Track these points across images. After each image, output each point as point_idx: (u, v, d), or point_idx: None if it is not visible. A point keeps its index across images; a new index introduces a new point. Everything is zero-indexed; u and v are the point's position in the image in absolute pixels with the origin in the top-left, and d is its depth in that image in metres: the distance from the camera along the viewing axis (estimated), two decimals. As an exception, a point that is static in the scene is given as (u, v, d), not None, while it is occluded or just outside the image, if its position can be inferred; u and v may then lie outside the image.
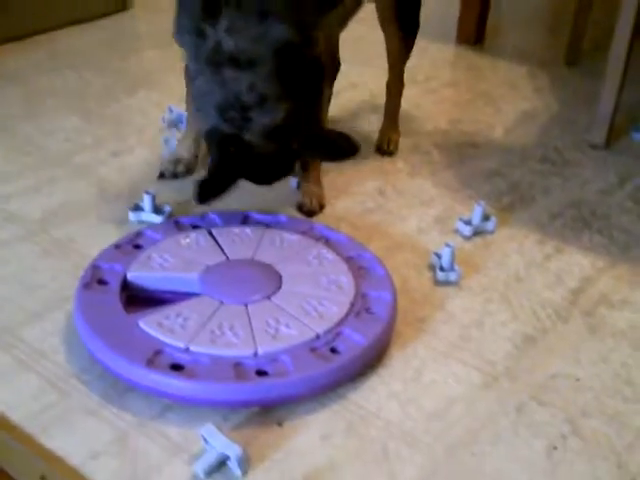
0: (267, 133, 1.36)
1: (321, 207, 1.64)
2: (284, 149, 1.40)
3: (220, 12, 1.31)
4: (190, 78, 1.44)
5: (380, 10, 1.75)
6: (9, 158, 1.74)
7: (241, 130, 1.35)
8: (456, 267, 1.44)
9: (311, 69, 1.40)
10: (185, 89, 1.56)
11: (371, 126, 1.93)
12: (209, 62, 1.35)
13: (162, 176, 1.70)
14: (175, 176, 1.70)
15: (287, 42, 1.33)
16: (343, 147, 1.41)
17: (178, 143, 1.74)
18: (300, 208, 1.63)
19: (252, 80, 1.32)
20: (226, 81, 1.34)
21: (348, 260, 1.39)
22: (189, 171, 1.72)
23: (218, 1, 1.31)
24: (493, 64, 2.39)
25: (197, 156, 1.73)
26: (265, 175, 1.47)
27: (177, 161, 1.71)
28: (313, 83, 1.42)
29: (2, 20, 2.27)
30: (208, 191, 1.39)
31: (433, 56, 2.33)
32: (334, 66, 1.82)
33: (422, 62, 2.35)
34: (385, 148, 1.86)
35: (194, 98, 1.44)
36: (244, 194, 1.66)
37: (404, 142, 1.91)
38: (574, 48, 2.39)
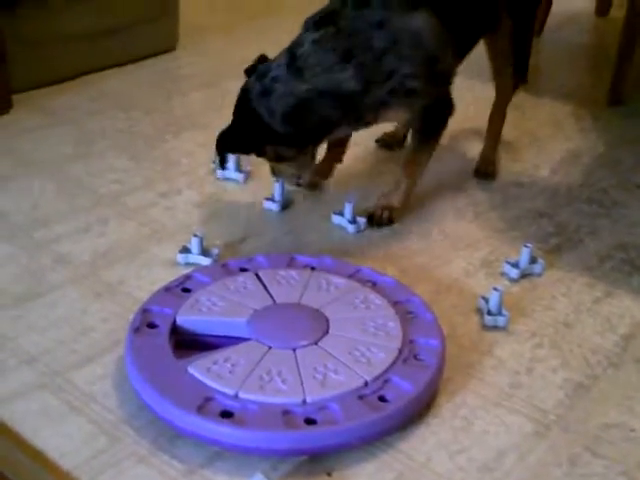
0: (284, 118, 1.52)
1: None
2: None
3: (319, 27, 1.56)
4: None
5: (496, 52, 1.86)
6: (60, 198, 1.78)
7: (266, 109, 1.52)
8: (504, 311, 1.43)
9: (436, 116, 1.67)
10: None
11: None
12: (287, 51, 1.56)
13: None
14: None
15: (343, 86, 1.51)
16: None
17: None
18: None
19: (293, 85, 1.51)
20: (280, 70, 1.53)
21: (395, 304, 1.38)
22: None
23: (324, 20, 1.55)
24: (537, 103, 2.38)
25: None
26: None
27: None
28: (439, 116, 1.67)
29: (53, 62, 2.33)
30: (227, 143, 1.57)
31: (477, 95, 2.32)
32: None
33: (468, 100, 2.36)
34: (483, 172, 1.95)
35: None
36: (292, 235, 1.68)
37: (449, 183, 1.91)
38: (617, 88, 2.38)
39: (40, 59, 2.30)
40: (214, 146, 1.58)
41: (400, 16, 1.51)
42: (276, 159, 1.62)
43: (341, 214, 1.72)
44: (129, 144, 2.04)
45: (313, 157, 1.66)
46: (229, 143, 1.58)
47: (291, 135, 1.54)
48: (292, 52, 1.52)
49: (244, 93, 1.56)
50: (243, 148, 1.61)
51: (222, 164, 1.62)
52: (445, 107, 1.67)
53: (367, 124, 1.63)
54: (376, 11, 1.51)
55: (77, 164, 1.93)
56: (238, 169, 1.88)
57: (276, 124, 1.51)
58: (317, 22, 1.55)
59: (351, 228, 1.70)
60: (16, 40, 2.19)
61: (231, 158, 1.84)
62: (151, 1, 2.53)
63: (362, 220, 1.71)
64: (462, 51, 1.72)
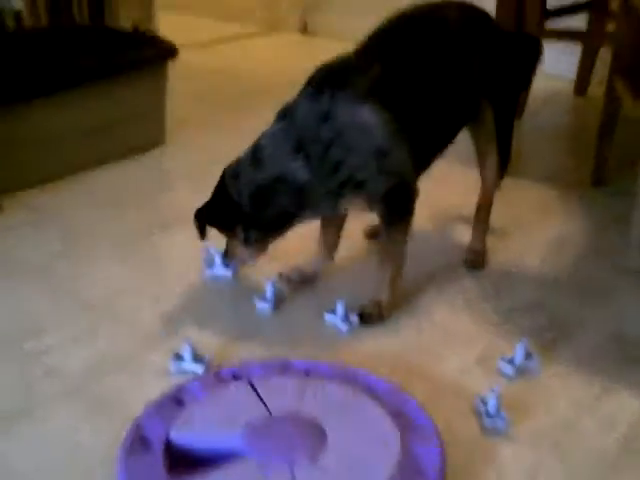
0: (251, 196, 1.62)
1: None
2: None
3: (275, 122, 1.66)
4: None
5: (479, 142, 1.89)
6: (49, 304, 1.76)
7: (234, 190, 1.64)
8: (503, 413, 1.41)
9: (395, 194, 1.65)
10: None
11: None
12: (248, 150, 1.69)
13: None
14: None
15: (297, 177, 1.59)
16: None
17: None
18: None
19: (252, 175, 1.62)
20: (247, 151, 1.66)
21: (393, 411, 1.36)
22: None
23: (279, 117, 1.65)
24: (521, 187, 2.40)
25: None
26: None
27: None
28: (400, 204, 1.67)
29: (41, 161, 2.35)
30: (203, 216, 1.69)
31: (460, 182, 2.36)
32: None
33: (451, 188, 2.39)
34: (473, 263, 1.95)
35: None
36: (284, 335, 1.67)
37: (438, 273, 1.91)
38: (600, 168, 2.41)
39: (28, 159, 2.31)
40: (193, 220, 1.70)
41: (346, 108, 1.55)
42: (244, 240, 1.69)
43: (333, 312, 1.71)
44: (118, 242, 2.03)
45: (268, 246, 1.73)
46: (206, 216, 1.69)
47: (258, 218, 1.64)
48: (255, 144, 1.64)
49: (222, 175, 1.68)
50: (218, 223, 1.70)
51: (202, 236, 1.71)
52: (405, 196, 1.66)
53: (331, 212, 1.69)
54: (324, 103, 1.56)
55: (65, 265, 1.92)
56: (226, 264, 1.88)
57: (244, 205, 1.63)
58: (278, 115, 1.64)
59: (344, 327, 1.69)
60: (3, 141, 2.21)
61: (217, 256, 1.86)
62: (139, 98, 2.56)
63: (354, 318, 1.70)
64: (434, 144, 1.74)
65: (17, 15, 2.66)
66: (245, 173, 1.61)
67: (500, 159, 1.92)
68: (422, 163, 1.73)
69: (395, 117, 1.58)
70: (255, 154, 1.61)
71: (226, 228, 1.70)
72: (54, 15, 2.90)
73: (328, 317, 1.71)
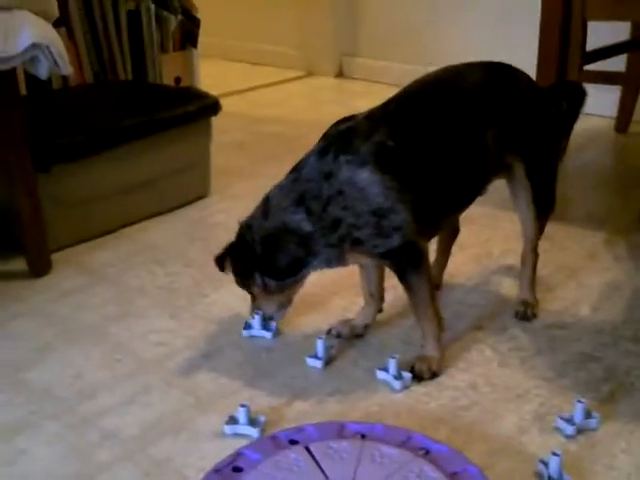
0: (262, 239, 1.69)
1: (434, 374, 1.72)
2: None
3: (285, 178, 1.72)
4: None
5: (514, 193, 1.89)
6: (102, 366, 1.78)
7: (249, 231, 1.72)
8: (565, 476, 1.38)
9: (399, 254, 1.66)
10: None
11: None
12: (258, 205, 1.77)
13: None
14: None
15: (300, 225, 1.65)
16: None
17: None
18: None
19: (262, 222, 1.70)
20: (260, 203, 1.74)
21: (452, 476, 1.35)
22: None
23: (292, 169, 1.71)
24: (567, 233, 2.39)
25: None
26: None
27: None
28: (406, 262, 1.68)
29: (89, 218, 2.40)
30: (219, 264, 1.78)
31: (506, 227, 2.35)
32: (454, 234, 2.07)
33: (495, 233, 2.38)
34: (524, 314, 1.93)
35: None
36: (337, 395, 1.66)
37: (489, 328, 1.90)
38: (648, 212, 2.39)
39: (76, 217, 2.36)
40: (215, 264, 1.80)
41: (347, 170, 1.60)
42: (263, 287, 1.74)
43: (385, 369, 1.71)
44: (169, 301, 2.06)
45: (291, 297, 1.80)
46: (227, 261, 1.78)
47: (271, 263, 1.70)
48: (266, 196, 1.72)
49: (240, 225, 1.76)
50: (238, 268, 1.77)
51: (221, 268, 1.79)
52: (411, 253, 1.66)
53: (340, 263, 1.71)
54: (328, 163, 1.62)
55: (118, 326, 1.94)
56: (265, 327, 1.88)
57: (258, 250, 1.69)
58: (290, 170, 1.71)
59: (396, 385, 1.67)
60: (51, 200, 2.26)
61: (257, 319, 1.88)
62: (184, 152, 2.61)
63: (407, 375, 1.69)
64: (444, 206, 1.75)
65: (64, 76, 2.73)
66: (256, 222, 1.71)
67: (538, 213, 1.90)
68: (431, 225, 1.74)
69: (398, 181, 1.61)
70: (265, 205, 1.70)
71: (244, 276, 1.77)
72: (99, 73, 2.98)
73: (380, 374, 1.71)
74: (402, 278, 1.70)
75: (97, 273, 2.22)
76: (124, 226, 2.47)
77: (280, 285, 1.73)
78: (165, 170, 2.56)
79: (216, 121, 2.72)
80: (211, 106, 2.66)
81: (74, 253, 2.32)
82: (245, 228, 1.73)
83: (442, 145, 1.70)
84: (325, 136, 1.71)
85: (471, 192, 1.81)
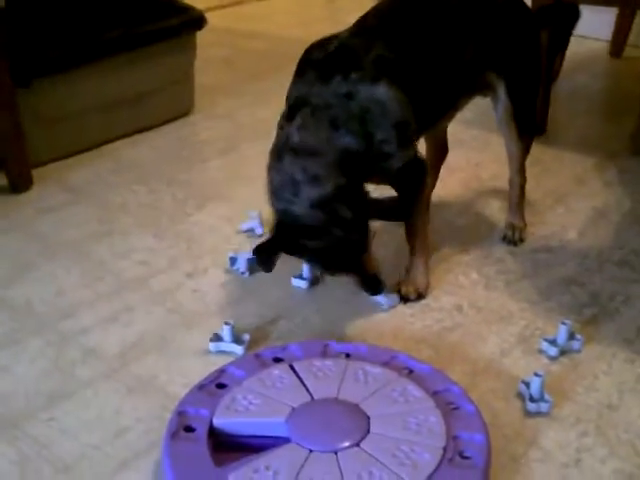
0: (312, 203, 1.48)
1: (420, 296, 1.71)
2: (333, 219, 1.48)
3: (295, 115, 1.54)
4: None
5: (497, 112, 1.85)
6: (84, 284, 1.76)
7: (290, 204, 1.50)
8: (546, 396, 1.39)
9: (410, 180, 1.64)
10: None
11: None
12: (276, 152, 1.55)
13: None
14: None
15: (353, 146, 1.52)
16: (395, 211, 1.56)
17: None
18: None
19: (306, 165, 1.49)
20: (283, 167, 1.52)
21: (435, 395, 1.35)
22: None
23: (298, 106, 1.55)
24: (557, 157, 2.36)
25: None
26: (327, 254, 1.53)
27: None
28: (411, 192, 1.65)
29: (71, 134, 2.34)
30: (265, 258, 1.53)
31: (496, 150, 2.31)
32: (442, 154, 2.02)
33: (485, 157, 2.35)
34: (511, 238, 1.93)
35: (267, 188, 1.58)
36: (322, 314, 1.65)
37: (476, 251, 1.88)
38: (640, 137, 2.36)
39: (58, 133, 2.30)
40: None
41: (364, 88, 1.54)
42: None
43: (372, 290, 1.70)
44: (152, 220, 2.02)
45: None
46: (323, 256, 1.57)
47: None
48: (285, 146, 1.52)
49: (279, 217, 1.56)
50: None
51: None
52: (419, 168, 1.66)
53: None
54: (341, 85, 1.54)
55: (101, 244, 1.91)
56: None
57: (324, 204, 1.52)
58: (290, 112, 1.56)
59: (384, 301, 1.67)
60: (33, 116, 2.20)
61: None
62: (167, 68, 2.53)
63: (393, 296, 1.69)
64: (429, 116, 1.72)
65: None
66: (300, 183, 1.49)
67: (519, 132, 1.86)
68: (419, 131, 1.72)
69: (404, 92, 1.57)
70: (290, 149, 1.51)
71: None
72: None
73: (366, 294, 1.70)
74: (405, 196, 1.66)
75: (79, 190, 2.18)
76: (106, 143, 2.42)
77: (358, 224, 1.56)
78: (148, 86, 2.49)
79: (200, 36, 2.64)
80: (196, 20, 2.56)
81: (55, 169, 2.27)
82: (293, 198, 1.50)
83: (429, 55, 1.66)
84: (311, 62, 1.60)
85: (450, 102, 1.78)
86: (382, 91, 1.55)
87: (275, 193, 1.53)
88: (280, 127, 1.58)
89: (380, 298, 1.68)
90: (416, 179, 1.66)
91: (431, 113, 1.73)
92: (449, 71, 1.70)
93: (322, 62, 1.59)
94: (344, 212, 1.49)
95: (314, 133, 1.51)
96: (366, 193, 1.57)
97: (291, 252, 1.54)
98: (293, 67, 1.63)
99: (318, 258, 1.56)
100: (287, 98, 1.61)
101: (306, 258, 1.60)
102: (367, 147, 1.54)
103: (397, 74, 1.58)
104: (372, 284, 1.61)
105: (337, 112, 1.52)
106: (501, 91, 1.80)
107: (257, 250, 1.53)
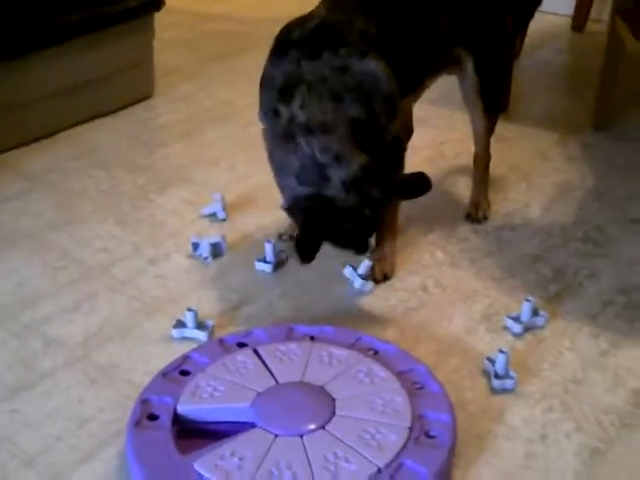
0: (346, 185, 1.43)
1: (385, 277, 1.71)
2: (366, 200, 1.45)
3: (292, 95, 1.48)
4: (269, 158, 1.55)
5: (463, 88, 1.86)
6: (45, 274, 1.73)
7: (321, 188, 1.44)
8: (511, 373, 1.40)
9: (394, 151, 1.61)
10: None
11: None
12: (283, 136, 1.48)
13: (280, 237, 1.82)
14: (292, 239, 1.74)
15: (363, 118, 1.48)
16: (419, 185, 1.49)
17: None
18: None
19: (323, 143, 1.44)
20: (300, 148, 1.45)
21: (400, 375, 1.35)
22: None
23: (292, 88, 1.48)
24: (521, 133, 2.36)
25: None
26: (354, 235, 1.51)
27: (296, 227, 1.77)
28: (396, 162, 1.63)
29: (28, 121, 2.28)
30: (306, 250, 1.44)
31: (461, 128, 2.30)
32: (407, 133, 1.96)
33: (450, 135, 2.34)
34: (475, 216, 1.92)
35: (274, 176, 1.54)
36: (287, 298, 1.64)
37: (440, 230, 1.88)
38: (602, 111, 2.36)
39: (14, 120, 2.24)
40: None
41: (356, 62, 1.51)
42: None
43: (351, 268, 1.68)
44: (113, 206, 1.99)
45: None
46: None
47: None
48: (292, 127, 1.46)
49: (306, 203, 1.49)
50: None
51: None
52: (400, 144, 1.65)
53: None
54: (332, 60, 1.50)
55: (61, 233, 1.87)
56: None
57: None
58: (283, 93, 1.50)
59: (357, 283, 1.66)
60: (-12, 103, 2.15)
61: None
62: (125, 51, 2.48)
63: (359, 277, 1.68)
64: (404, 90, 1.69)
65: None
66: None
67: (485, 109, 1.86)
68: None
69: (388, 64, 1.55)
70: (310, 131, 1.44)
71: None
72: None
73: (346, 271, 1.67)
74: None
75: (37, 178, 2.13)
76: (65, 129, 2.36)
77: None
78: (106, 70, 2.44)
79: (159, 18, 2.58)
80: (153, 1, 2.50)
81: (12, 158, 2.22)
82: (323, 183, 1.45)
83: (406, 27, 1.64)
84: (292, 42, 1.53)
85: (423, 77, 1.76)
86: (372, 65, 1.53)
87: (298, 177, 1.46)
88: (274, 111, 1.50)
89: (357, 281, 1.67)
90: (398, 155, 1.65)
91: (406, 87, 1.70)
92: (424, 43, 1.69)
93: (306, 41, 1.53)
94: (375, 193, 1.46)
95: (319, 108, 1.46)
96: (389, 172, 1.54)
97: (328, 238, 1.48)
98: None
99: (352, 241, 1.52)
100: (267, 81, 1.54)
101: (341, 243, 1.52)
102: (370, 117, 1.50)
103: (380, 48, 1.56)
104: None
105: (334, 83, 1.48)
106: (469, 67, 1.80)
107: (298, 247, 1.43)
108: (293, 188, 1.48)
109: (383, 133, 1.55)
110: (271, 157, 1.54)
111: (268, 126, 1.54)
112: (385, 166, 1.51)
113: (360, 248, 1.55)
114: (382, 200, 1.48)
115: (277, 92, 1.51)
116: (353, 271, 1.67)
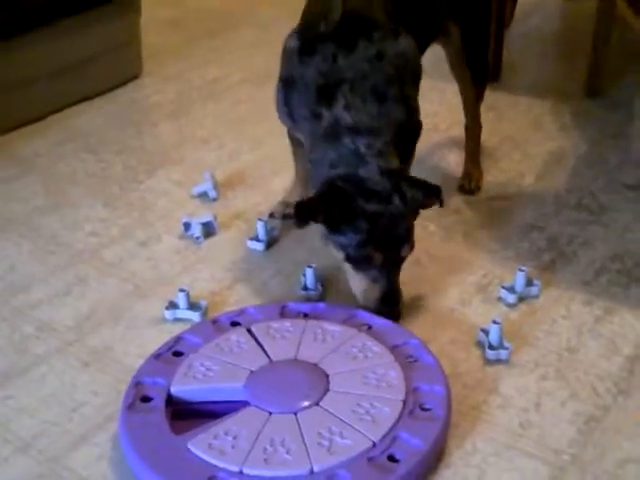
0: (382, 170, 1.43)
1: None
2: (397, 189, 1.42)
3: (334, 96, 1.47)
4: (307, 155, 1.55)
5: (450, 59, 1.86)
6: (36, 258, 1.71)
7: (356, 169, 1.43)
8: (506, 344, 1.39)
9: (414, 133, 1.62)
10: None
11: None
12: (327, 135, 1.47)
13: (272, 216, 1.80)
14: (284, 217, 1.77)
15: (403, 120, 1.51)
16: (431, 189, 1.48)
17: (288, 191, 1.84)
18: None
19: (370, 141, 1.45)
20: (343, 144, 1.45)
21: (394, 349, 1.34)
22: None
23: (332, 88, 1.47)
24: (513, 102, 2.33)
25: None
26: (377, 223, 1.41)
27: (287, 204, 1.77)
28: (413, 143, 1.63)
29: (16, 105, 2.26)
30: (304, 213, 1.41)
31: (451, 99, 2.28)
32: None
33: (441, 108, 2.31)
34: (467, 187, 1.92)
35: (310, 171, 1.53)
36: (280, 276, 1.63)
37: (434, 201, 1.86)
38: (595, 78, 2.34)
39: (2, 104, 2.22)
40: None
41: (390, 43, 1.51)
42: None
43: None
44: (102, 189, 1.97)
45: None
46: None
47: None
48: (338, 128, 1.45)
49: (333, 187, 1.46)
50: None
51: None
52: (419, 122, 1.63)
53: None
54: (368, 47, 1.48)
55: (50, 217, 1.86)
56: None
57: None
58: (325, 94, 1.47)
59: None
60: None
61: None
62: (112, 31, 2.45)
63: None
64: None
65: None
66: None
67: (473, 78, 1.87)
68: None
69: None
70: (357, 132, 1.44)
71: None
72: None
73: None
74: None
75: (25, 162, 2.11)
76: (53, 112, 2.34)
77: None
78: (93, 51, 2.41)
79: (145, -3, 2.56)
80: (138, -20, 2.48)
81: (2, 142, 2.19)
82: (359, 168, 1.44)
83: (413, 2, 1.64)
84: (322, 37, 1.50)
85: (423, 47, 1.73)
86: (404, 42, 1.54)
87: (332, 164, 1.44)
88: (315, 114, 1.48)
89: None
90: (416, 133, 1.63)
91: None
92: (427, 16, 1.70)
93: (337, 32, 1.50)
94: (406, 189, 1.43)
95: (364, 111, 1.46)
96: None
97: (339, 212, 1.41)
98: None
99: (367, 225, 1.40)
100: (296, 81, 1.52)
101: (352, 225, 1.41)
102: (408, 115, 1.52)
103: (402, 22, 1.56)
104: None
105: (375, 80, 1.48)
106: (456, 38, 1.79)
107: (298, 205, 1.42)
108: (326, 174, 1.45)
109: (412, 116, 1.56)
110: (309, 154, 1.52)
111: (308, 128, 1.51)
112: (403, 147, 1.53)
113: (394, 243, 1.44)
114: (411, 199, 1.44)
115: (315, 93, 1.49)
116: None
